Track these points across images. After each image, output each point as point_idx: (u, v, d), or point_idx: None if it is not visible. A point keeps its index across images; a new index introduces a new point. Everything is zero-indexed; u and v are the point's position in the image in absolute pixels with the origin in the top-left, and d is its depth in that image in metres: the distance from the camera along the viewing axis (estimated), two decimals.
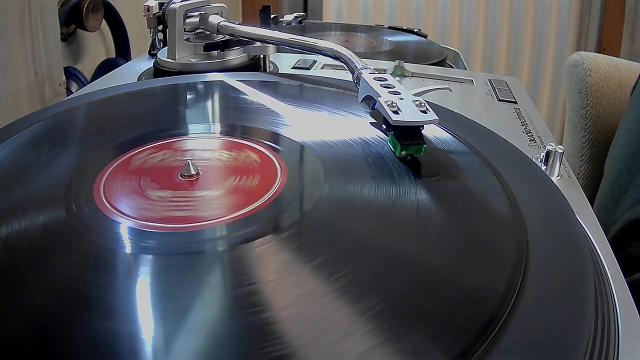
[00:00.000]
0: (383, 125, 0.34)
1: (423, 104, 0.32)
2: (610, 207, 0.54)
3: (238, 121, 0.37)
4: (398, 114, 0.31)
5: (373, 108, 0.36)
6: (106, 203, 0.27)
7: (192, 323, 0.20)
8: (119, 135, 0.35)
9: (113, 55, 1.10)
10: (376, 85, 0.35)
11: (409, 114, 0.31)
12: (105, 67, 1.01)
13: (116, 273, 0.22)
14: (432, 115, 0.32)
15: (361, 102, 0.38)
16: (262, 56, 0.55)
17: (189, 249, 0.24)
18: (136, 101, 0.42)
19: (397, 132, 0.31)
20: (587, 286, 0.22)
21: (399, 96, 0.33)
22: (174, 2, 0.54)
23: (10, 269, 0.23)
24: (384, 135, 0.34)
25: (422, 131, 0.31)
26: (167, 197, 0.28)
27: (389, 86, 0.35)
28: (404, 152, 0.30)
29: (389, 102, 0.32)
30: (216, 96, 0.44)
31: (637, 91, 0.59)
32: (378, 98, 0.33)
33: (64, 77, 0.70)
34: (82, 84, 0.92)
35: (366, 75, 0.37)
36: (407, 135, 0.31)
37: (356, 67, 0.40)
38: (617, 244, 0.50)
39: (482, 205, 0.28)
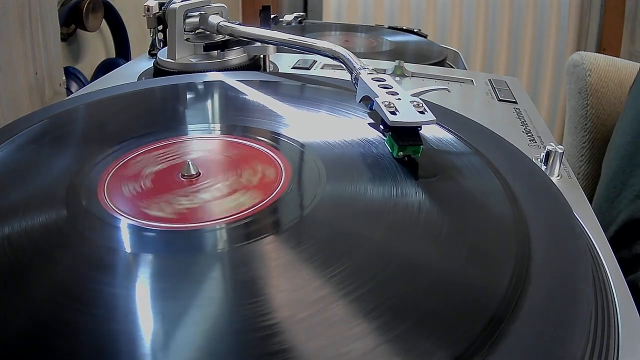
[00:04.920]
0: (380, 126, 0.34)
1: (421, 105, 0.32)
2: (607, 207, 0.54)
3: (238, 121, 0.37)
4: (395, 114, 0.31)
5: (371, 109, 0.36)
6: (108, 202, 0.27)
7: (191, 323, 0.20)
8: (119, 135, 0.35)
9: (113, 55, 1.10)
10: (374, 86, 0.35)
11: (406, 115, 0.31)
12: (105, 67, 1.01)
13: (117, 272, 0.23)
14: (429, 115, 0.31)
15: (359, 102, 0.38)
16: (262, 56, 0.55)
17: (190, 249, 0.24)
18: (136, 101, 0.42)
19: (394, 133, 0.31)
20: (586, 286, 0.22)
21: (397, 97, 0.33)
22: (174, 2, 0.54)
23: (11, 269, 0.23)
24: (384, 136, 0.33)
25: (420, 131, 0.31)
26: (167, 197, 0.28)
27: (387, 86, 0.35)
28: (402, 152, 0.30)
29: (386, 103, 0.32)
30: (216, 96, 0.44)
31: (633, 92, 0.59)
32: (376, 98, 0.33)
33: (64, 77, 0.70)
34: (82, 84, 0.93)
35: (364, 76, 0.37)
36: (405, 135, 0.30)
37: (354, 67, 0.40)
38: (615, 244, 0.50)
39: (483, 205, 0.28)
